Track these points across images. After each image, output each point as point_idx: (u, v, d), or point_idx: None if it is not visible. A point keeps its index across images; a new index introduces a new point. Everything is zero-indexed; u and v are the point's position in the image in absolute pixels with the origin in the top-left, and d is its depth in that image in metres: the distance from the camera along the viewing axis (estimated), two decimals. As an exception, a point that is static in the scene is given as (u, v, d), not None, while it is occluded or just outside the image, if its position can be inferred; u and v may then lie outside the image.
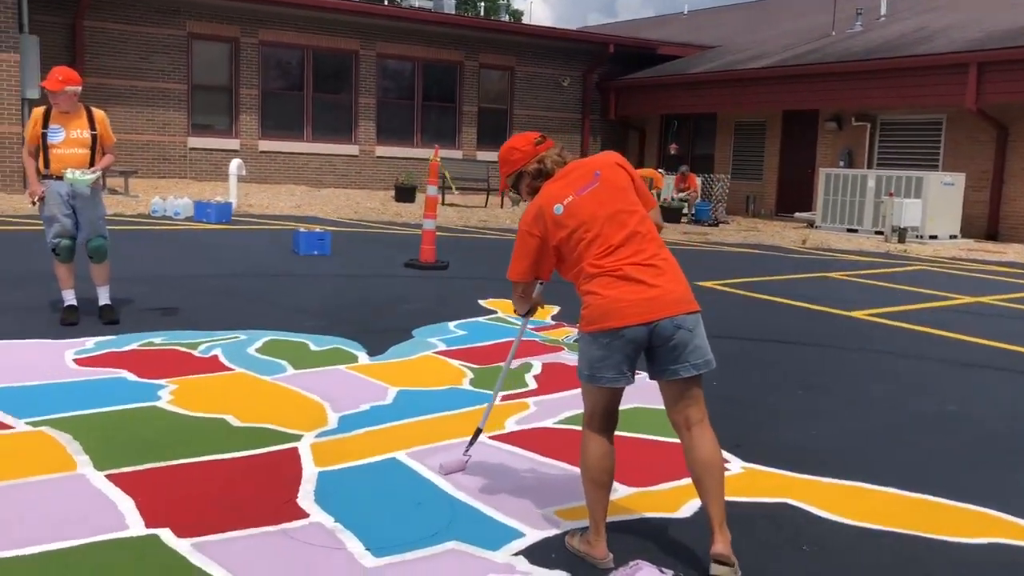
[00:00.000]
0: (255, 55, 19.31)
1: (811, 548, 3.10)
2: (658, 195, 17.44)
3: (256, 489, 3.36)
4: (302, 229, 10.05)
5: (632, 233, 2.87)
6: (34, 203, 6.05)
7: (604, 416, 2.92)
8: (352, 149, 20.51)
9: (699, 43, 25.28)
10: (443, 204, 16.30)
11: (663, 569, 2.80)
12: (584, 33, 26.23)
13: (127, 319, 6.17)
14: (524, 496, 3.40)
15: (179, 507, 3.16)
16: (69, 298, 6.16)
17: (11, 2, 13.60)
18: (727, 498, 2.89)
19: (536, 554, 2.93)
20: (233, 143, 19.19)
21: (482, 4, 38.93)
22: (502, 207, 18.10)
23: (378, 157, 20.78)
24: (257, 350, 5.48)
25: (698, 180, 18.61)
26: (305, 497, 3.30)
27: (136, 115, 18.13)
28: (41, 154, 5.98)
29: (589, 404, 2.93)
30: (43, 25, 16.27)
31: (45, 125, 5.96)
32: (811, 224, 17.41)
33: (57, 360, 5.06)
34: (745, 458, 3.95)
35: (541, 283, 3.25)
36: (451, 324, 6.58)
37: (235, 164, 13.53)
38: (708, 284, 9.12)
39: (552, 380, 5.16)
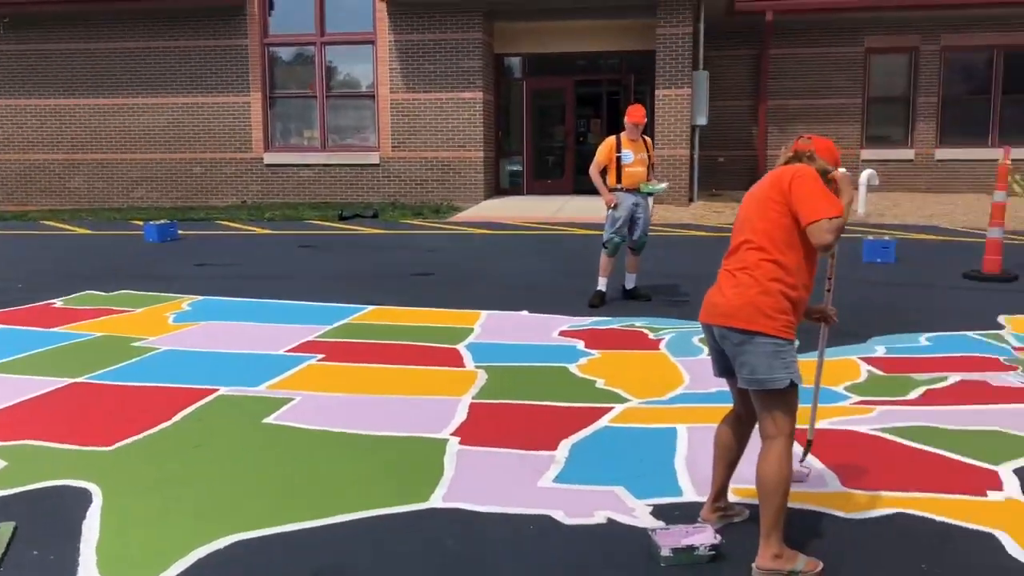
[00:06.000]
0: (935, 62, 18.81)
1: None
2: None
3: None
4: (870, 237, 10.06)
5: (743, 241, 2.97)
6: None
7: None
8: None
9: None
10: None
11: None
12: None
13: (644, 306, 7.51)
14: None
15: (486, 429, 4.38)
16: (601, 285, 7.76)
17: (685, 49, 16.08)
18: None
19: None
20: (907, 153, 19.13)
21: None
22: None
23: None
24: (701, 340, 6.25)
25: None
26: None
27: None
28: (613, 171, 7.69)
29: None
30: (730, 58, 18.93)
31: (618, 149, 7.66)
32: None
33: (545, 330, 6.63)
34: None
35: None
36: (923, 336, 6.35)
37: (866, 175, 13.74)
38: None
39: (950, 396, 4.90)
